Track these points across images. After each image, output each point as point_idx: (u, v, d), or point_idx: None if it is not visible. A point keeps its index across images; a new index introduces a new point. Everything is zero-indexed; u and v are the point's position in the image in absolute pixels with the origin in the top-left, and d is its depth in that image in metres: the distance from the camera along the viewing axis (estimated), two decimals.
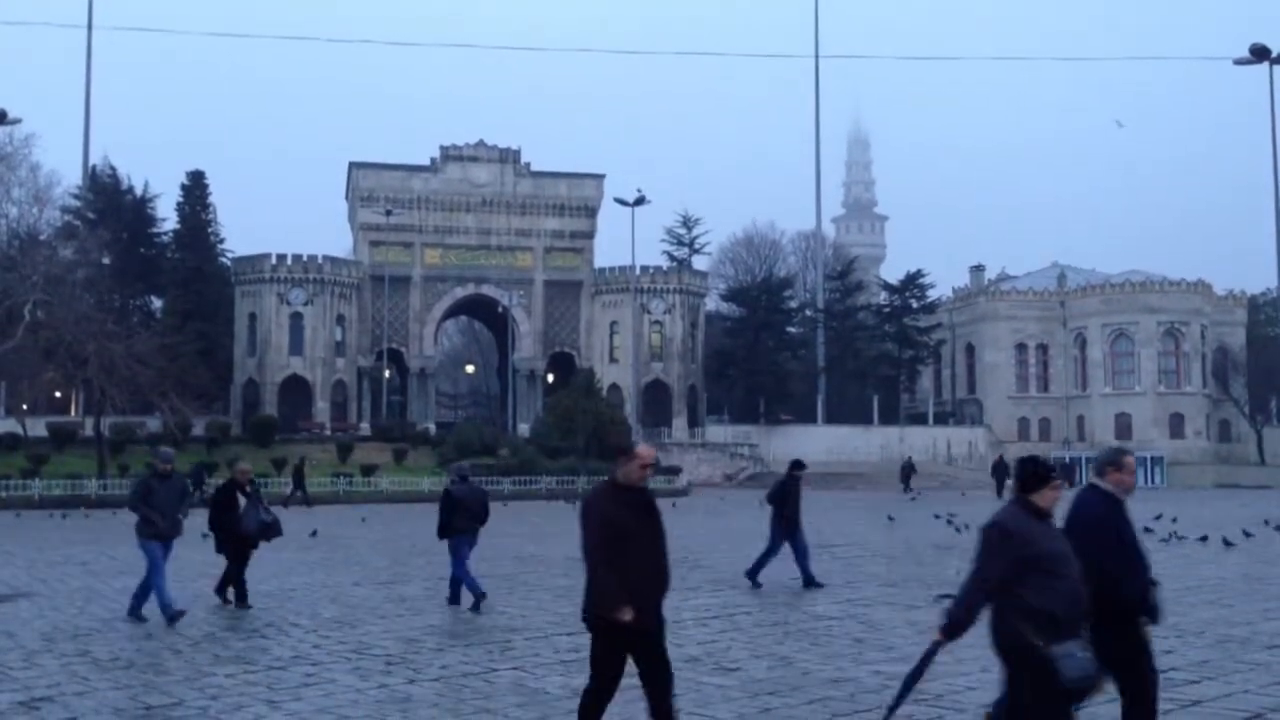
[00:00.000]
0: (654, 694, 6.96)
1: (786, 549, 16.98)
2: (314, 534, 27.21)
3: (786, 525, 16.80)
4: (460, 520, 14.60)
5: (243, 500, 14.67)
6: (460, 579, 14.58)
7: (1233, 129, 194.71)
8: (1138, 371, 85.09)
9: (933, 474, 74.79)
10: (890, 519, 33.31)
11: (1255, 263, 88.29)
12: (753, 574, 16.81)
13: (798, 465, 17.87)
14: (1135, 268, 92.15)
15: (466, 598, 14.33)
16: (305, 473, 46.94)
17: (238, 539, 14.54)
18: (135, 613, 13.29)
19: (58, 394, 66.08)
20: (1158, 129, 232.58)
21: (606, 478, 7.06)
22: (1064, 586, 5.76)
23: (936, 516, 32.84)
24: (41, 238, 61.86)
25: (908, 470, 61.56)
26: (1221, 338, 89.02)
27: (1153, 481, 74.93)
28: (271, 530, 14.74)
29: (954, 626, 6.09)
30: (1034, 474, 6.03)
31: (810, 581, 16.47)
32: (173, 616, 12.83)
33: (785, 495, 17.01)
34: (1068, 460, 73.64)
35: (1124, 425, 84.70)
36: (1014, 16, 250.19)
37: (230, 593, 14.67)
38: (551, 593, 15.88)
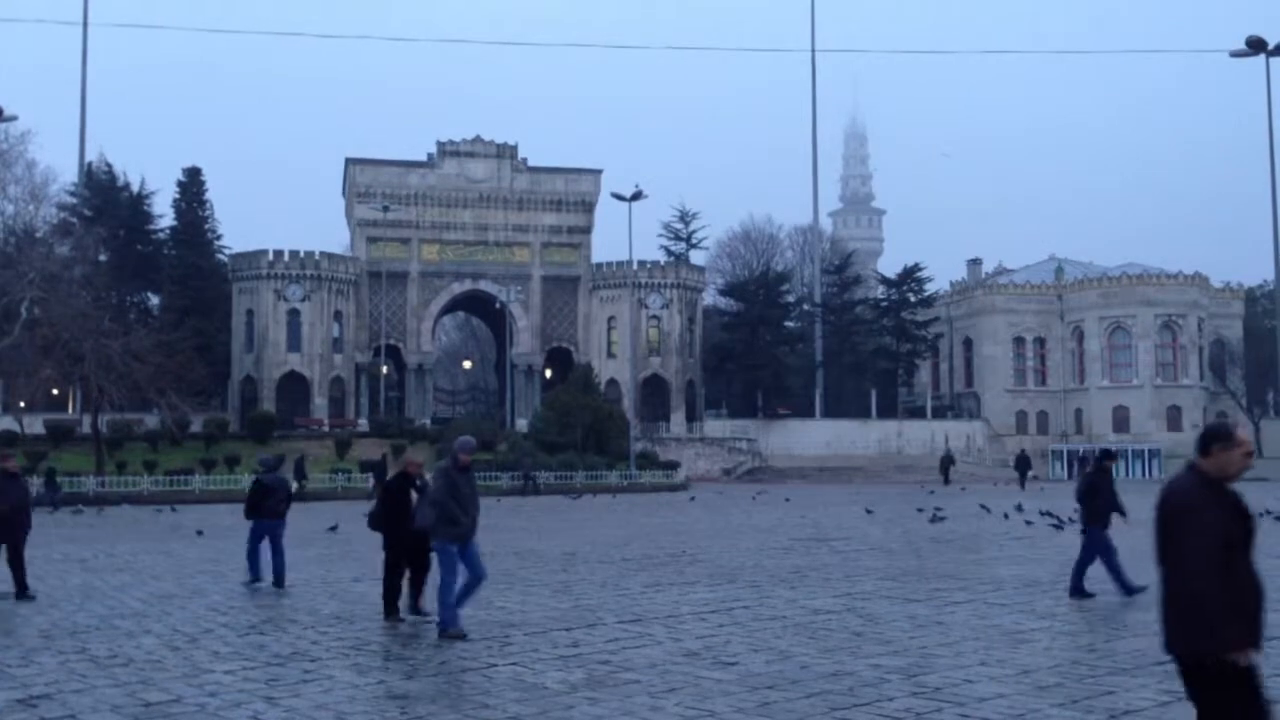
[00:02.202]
0: None
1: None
2: (334, 529, 27.63)
3: (1096, 520, 14.88)
4: (268, 504, 16.57)
5: (414, 496, 13.08)
6: (258, 555, 16.53)
7: (1229, 121, 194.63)
8: (1135, 364, 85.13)
9: (930, 468, 74.90)
10: (869, 511, 33.55)
11: (1252, 255, 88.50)
12: (1077, 589, 14.65)
13: (1107, 455, 15.76)
14: (1132, 260, 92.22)
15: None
16: (386, 468, 48.78)
17: (412, 539, 12.89)
18: (458, 632, 11.63)
19: (55, 391, 65.99)
20: (1155, 122, 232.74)
21: (1190, 468, 5.37)
22: None
23: (920, 510, 33.06)
24: (38, 235, 61.81)
25: (947, 462, 62.37)
26: (1219, 330, 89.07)
27: (1150, 474, 75.01)
28: None
29: None
30: None
31: (1107, 590, 14.56)
32: (454, 634, 11.49)
33: (1095, 489, 15.14)
34: (1082, 453, 73.93)
35: (1121, 418, 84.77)
36: (1010, 10, 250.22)
37: (397, 602, 13.08)
38: (550, 588, 15.88)
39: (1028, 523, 28.51)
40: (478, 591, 12.10)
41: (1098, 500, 15.01)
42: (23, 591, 15.24)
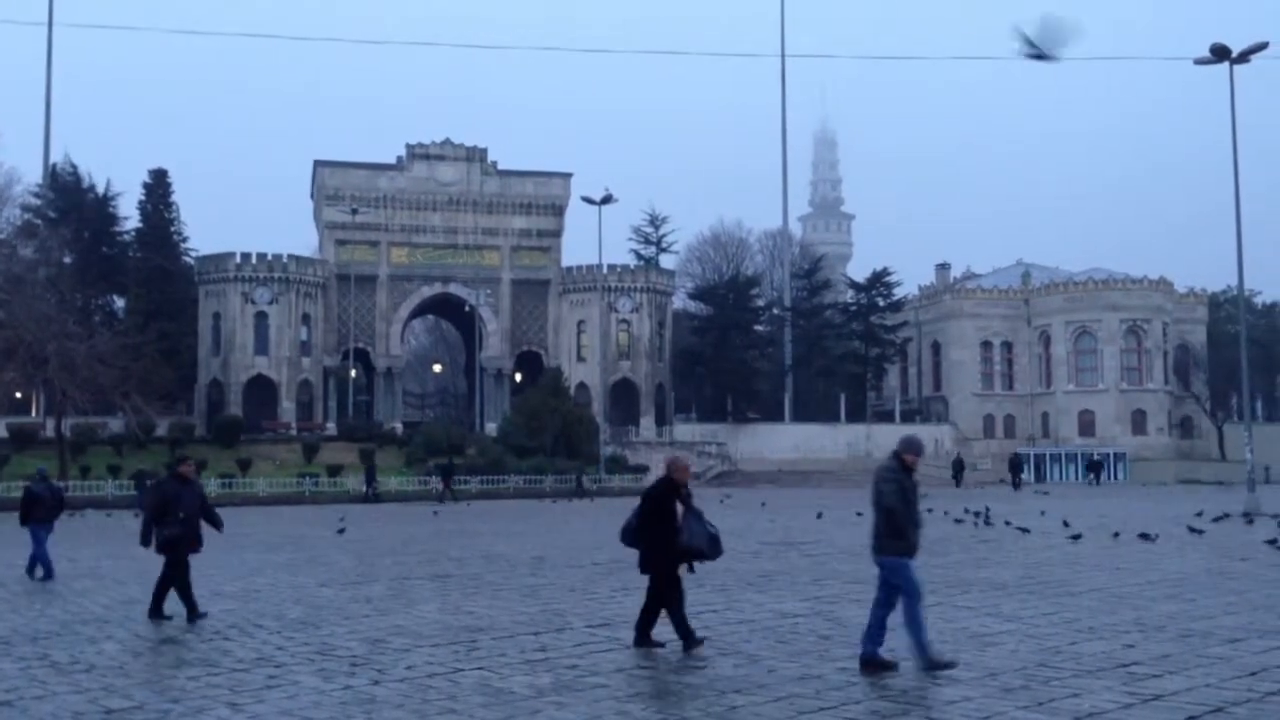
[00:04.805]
0: None
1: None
2: (342, 531, 27.67)
3: None
4: (39, 512, 18.76)
5: (679, 508, 10.90)
6: (39, 557, 18.47)
7: (1195, 128, 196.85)
8: (1100, 369, 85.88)
9: None
10: (819, 515, 33.78)
11: (1216, 260, 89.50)
12: None
13: None
14: (1098, 265, 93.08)
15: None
16: (453, 470, 51.34)
17: (678, 557, 10.89)
18: (939, 662, 9.66)
19: (18, 394, 65.31)
20: (1122, 128, 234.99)
21: None
22: None
23: (859, 514, 33.44)
24: (1, 237, 61.14)
25: (959, 466, 63.63)
26: (1183, 335, 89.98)
27: (1115, 478, 75.68)
28: (717, 545, 11.05)
29: None
30: None
31: None
32: (942, 663, 9.70)
33: None
34: (1096, 456, 75.07)
35: (1087, 422, 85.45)
36: (980, 17, 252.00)
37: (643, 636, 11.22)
38: (518, 592, 15.82)
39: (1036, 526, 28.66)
40: (888, 619, 9.96)
41: None
42: (158, 612, 13.45)
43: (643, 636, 11.03)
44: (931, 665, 9.56)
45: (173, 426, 61.41)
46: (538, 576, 17.82)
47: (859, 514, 33.90)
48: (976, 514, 31.64)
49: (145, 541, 13.66)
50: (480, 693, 9.03)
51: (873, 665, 9.68)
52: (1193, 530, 25.78)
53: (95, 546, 25.41)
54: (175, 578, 13.42)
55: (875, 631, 9.83)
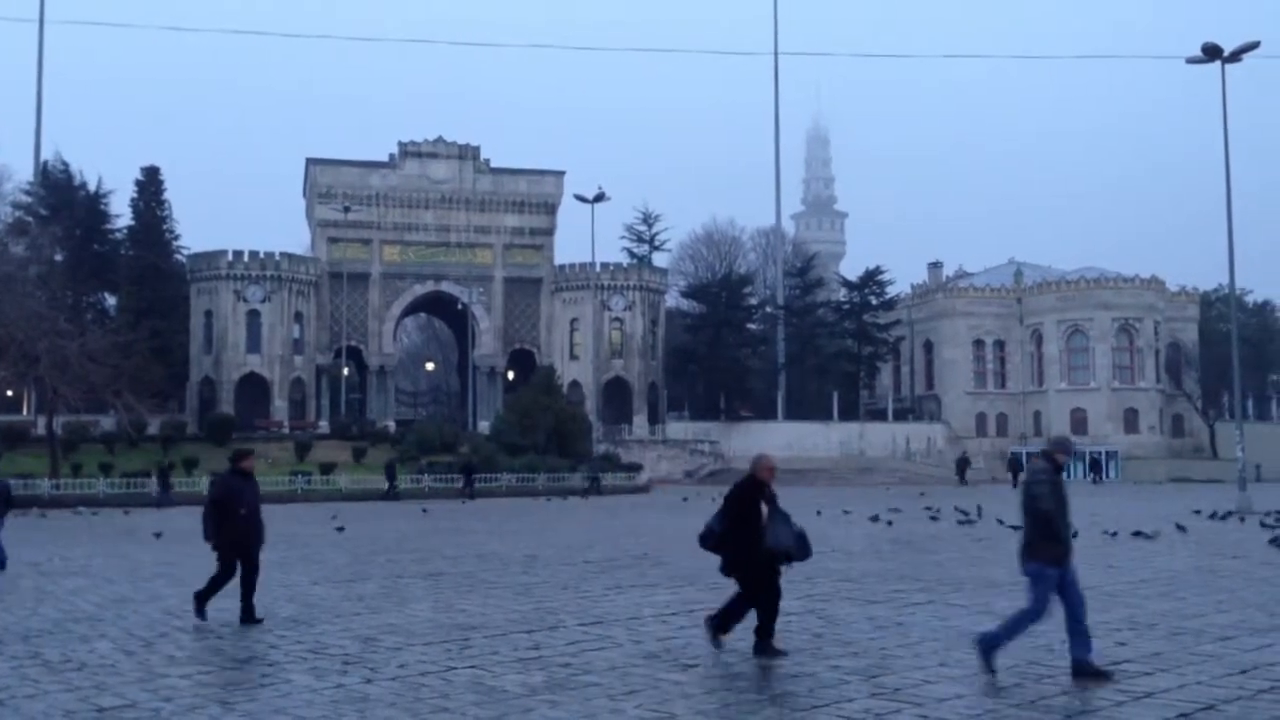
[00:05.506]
0: None
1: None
2: (341, 529, 28.13)
3: None
4: None
5: (764, 508, 10.42)
6: None
7: (1187, 127, 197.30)
8: (1092, 367, 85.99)
9: (892, 469, 75.40)
10: (819, 513, 33.81)
11: (1208, 259, 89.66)
12: None
13: None
14: (1090, 264, 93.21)
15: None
16: (474, 468, 52.67)
17: (766, 559, 10.36)
18: (990, 663, 9.36)
19: (9, 392, 65.16)
20: (1114, 127, 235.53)
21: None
22: None
23: (846, 511, 33.50)
24: None
25: (963, 464, 63.94)
26: (1174, 334, 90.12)
27: (1107, 476, 75.82)
28: (805, 546, 10.57)
29: None
30: None
31: None
32: (1096, 671, 9.24)
33: None
34: (1093, 455, 75.69)
35: (1079, 420, 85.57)
36: (971, 17, 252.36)
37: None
38: (511, 590, 15.82)
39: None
40: (1085, 620, 9.36)
41: None
42: (249, 616, 12.77)
43: (764, 645, 10.37)
44: (988, 665, 9.32)
45: (164, 425, 61.25)
46: (530, 575, 17.81)
47: (846, 511, 34.09)
48: (965, 511, 31.71)
49: (209, 537, 12.92)
50: (473, 691, 9.03)
51: (1086, 673, 9.15)
52: (1179, 527, 25.86)
53: (87, 545, 25.35)
54: (224, 577, 12.91)
55: (1078, 638, 9.27)
